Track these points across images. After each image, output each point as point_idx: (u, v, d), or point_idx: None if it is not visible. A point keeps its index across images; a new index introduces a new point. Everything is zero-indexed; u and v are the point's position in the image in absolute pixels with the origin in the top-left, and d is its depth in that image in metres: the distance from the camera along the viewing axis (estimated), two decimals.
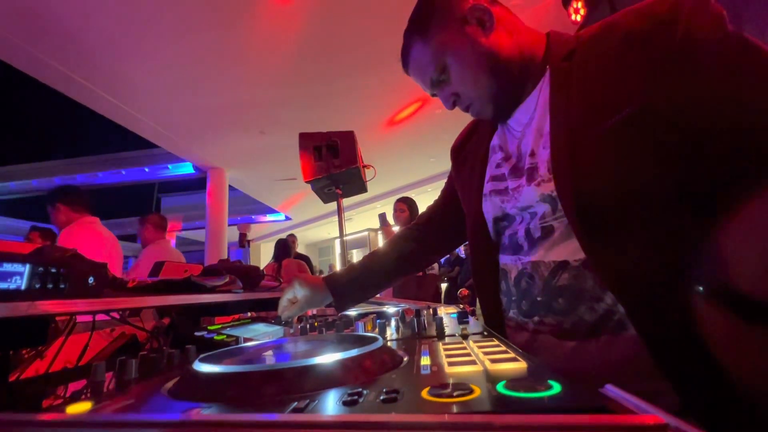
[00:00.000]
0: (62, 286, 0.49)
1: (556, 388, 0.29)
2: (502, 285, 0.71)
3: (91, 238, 2.11)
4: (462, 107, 0.71)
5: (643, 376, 0.52)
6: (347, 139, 2.22)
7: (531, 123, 0.67)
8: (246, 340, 0.69)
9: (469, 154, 0.84)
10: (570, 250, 0.58)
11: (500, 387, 0.30)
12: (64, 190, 2.29)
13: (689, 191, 0.52)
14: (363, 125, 4.72)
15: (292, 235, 4.62)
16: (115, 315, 0.87)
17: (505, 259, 0.70)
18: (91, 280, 0.53)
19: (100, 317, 0.85)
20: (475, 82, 0.66)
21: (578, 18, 2.81)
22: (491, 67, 0.65)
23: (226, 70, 3.79)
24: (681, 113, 0.52)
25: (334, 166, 2.19)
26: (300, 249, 5.08)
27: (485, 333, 0.59)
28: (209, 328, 0.78)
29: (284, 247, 3.98)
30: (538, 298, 0.62)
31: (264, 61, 3.70)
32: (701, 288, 0.42)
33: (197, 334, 0.73)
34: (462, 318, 0.73)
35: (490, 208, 0.72)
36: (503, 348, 0.44)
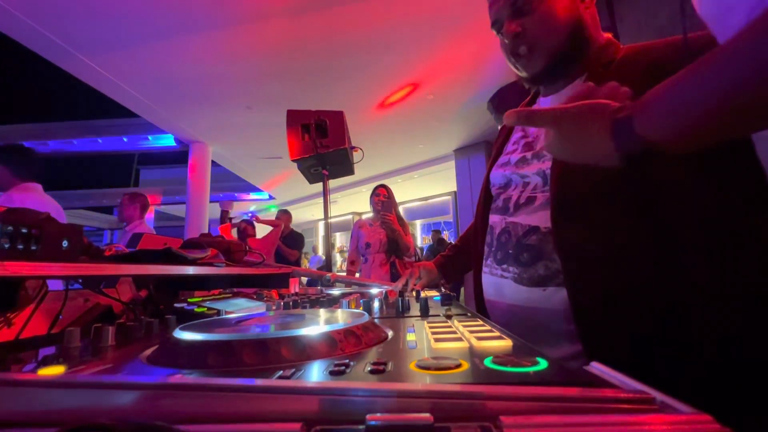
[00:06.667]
0: (33, 248, 0.47)
1: (542, 364, 0.29)
2: (487, 238, 0.83)
3: (32, 206, 1.85)
4: (516, 44, 0.72)
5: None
6: (336, 119, 2.17)
7: None
8: (227, 313, 0.68)
9: (500, 136, 0.94)
10: (543, 219, 0.69)
11: (488, 362, 0.30)
12: (11, 150, 1.93)
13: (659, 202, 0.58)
14: (353, 107, 4.63)
15: (286, 212, 4.55)
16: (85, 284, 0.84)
17: (494, 218, 0.82)
18: (65, 243, 0.50)
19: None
20: (553, 30, 0.70)
21: None
22: (572, 30, 0.70)
23: (213, 39, 3.64)
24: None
25: (322, 145, 2.14)
26: None
27: (469, 314, 0.60)
28: (189, 300, 0.77)
29: (244, 232, 4.18)
30: (510, 251, 0.74)
31: (254, 31, 3.56)
32: None
33: (177, 305, 0.72)
34: (445, 300, 0.74)
35: (496, 177, 0.83)
36: (488, 327, 0.44)
